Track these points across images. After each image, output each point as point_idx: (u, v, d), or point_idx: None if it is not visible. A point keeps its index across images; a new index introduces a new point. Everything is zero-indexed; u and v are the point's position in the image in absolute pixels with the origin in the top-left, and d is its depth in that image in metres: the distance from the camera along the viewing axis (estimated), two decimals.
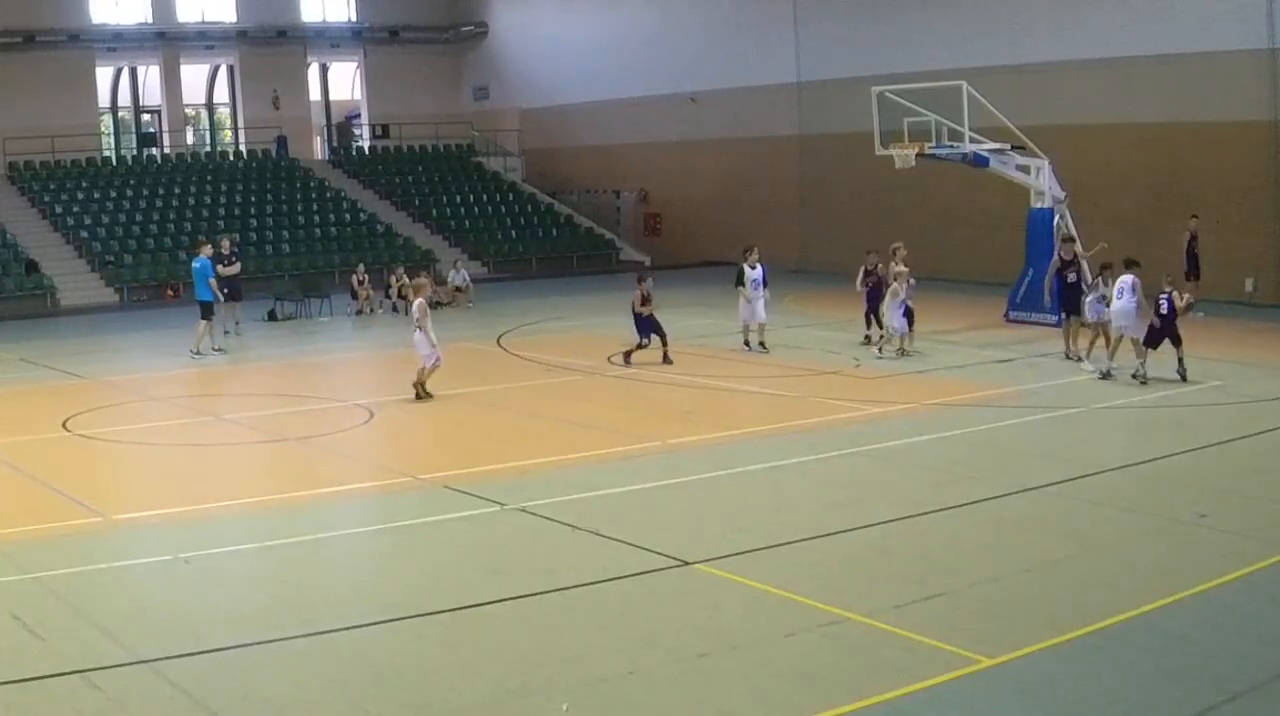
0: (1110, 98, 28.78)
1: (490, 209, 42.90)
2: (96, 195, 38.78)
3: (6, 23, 39.25)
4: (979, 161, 24.29)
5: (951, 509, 11.82)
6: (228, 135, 47.10)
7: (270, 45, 44.55)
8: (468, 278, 31.53)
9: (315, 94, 47.82)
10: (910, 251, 21.38)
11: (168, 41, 43.17)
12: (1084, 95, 29.05)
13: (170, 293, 34.06)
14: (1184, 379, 17.66)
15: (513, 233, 41.42)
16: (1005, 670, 8.05)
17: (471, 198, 43.43)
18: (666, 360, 20.20)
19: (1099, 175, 27.82)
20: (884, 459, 14.19)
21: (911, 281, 20.67)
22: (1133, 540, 11.00)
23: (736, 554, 10.48)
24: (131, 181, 40.11)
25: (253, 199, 40.09)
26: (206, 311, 23.10)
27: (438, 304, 30.07)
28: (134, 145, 44.60)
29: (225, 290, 23.81)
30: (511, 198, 44.05)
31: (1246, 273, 26.56)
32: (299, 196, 41.05)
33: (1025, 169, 24.52)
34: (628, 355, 20.36)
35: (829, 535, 11.09)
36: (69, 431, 16.36)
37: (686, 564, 10.28)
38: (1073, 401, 16.99)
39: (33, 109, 39.49)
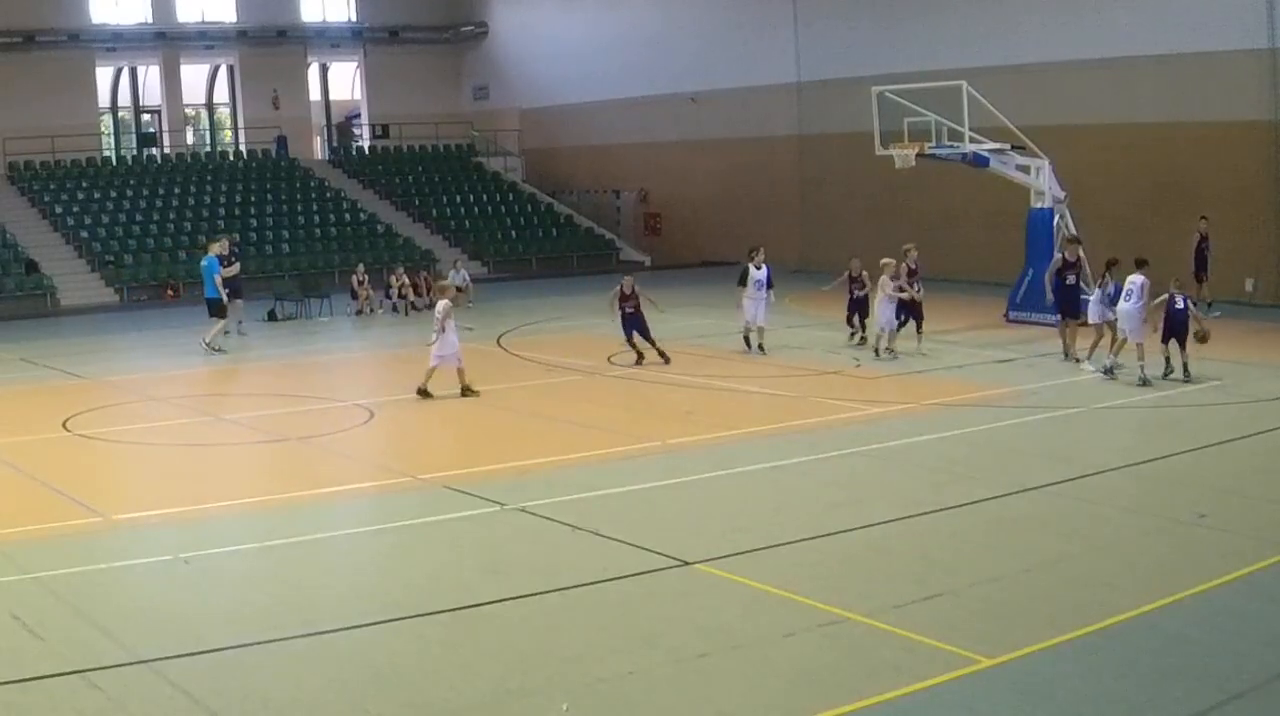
0: (1110, 98, 28.78)
1: (490, 209, 42.90)
2: (96, 195, 38.77)
3: (6, 23, 39.24)
4: (979, 161, 24.29)
5: (951, 509, 11.82)
6: (228, 135, 47.10)
7: (270, 45, 44.54)
8: (468, 278, 31.48)
9: (315, 94, 47.81)
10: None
11: (168, 41, 43.15)
12: (1084, 95, 29.04)
13: (170, 293, 34.07)
14: (1188, 378, 17.70)
15: (513, 233, 41.42)
16: (1005, 670, 8.05)
17: (471, 198, 43.43)
18: (663, 357, 20.15)
19: (1099, 175, 27.82)
20: (884, 459, 14.19)
21: (913, 271, 20.70)
22: (1133, 540, 11.00)
23: (736, 554, 10.48)
24: (131, 181, 40.10)
25: (253, 199, 40.09)
26: (218, 309, 23.27)
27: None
28: (134, 145, 44.59)
29: (227, 290, 23.89)
30: (511, 198, 44.05)
31: (1246, 273, 26.55)
32: (299, 196, 41.04)
33: (1025, 169, 24.52)
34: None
35: (829, 535, 11.09)
36: (69, 431, 16.36)
37: (686, 564, 10.28)
38: (1073, 401, 16.99)
39: (33, 109, 39.48)
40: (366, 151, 46.67)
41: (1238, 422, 15.43)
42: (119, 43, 42.45)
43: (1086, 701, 7.63)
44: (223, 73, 46.35)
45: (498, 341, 23.91)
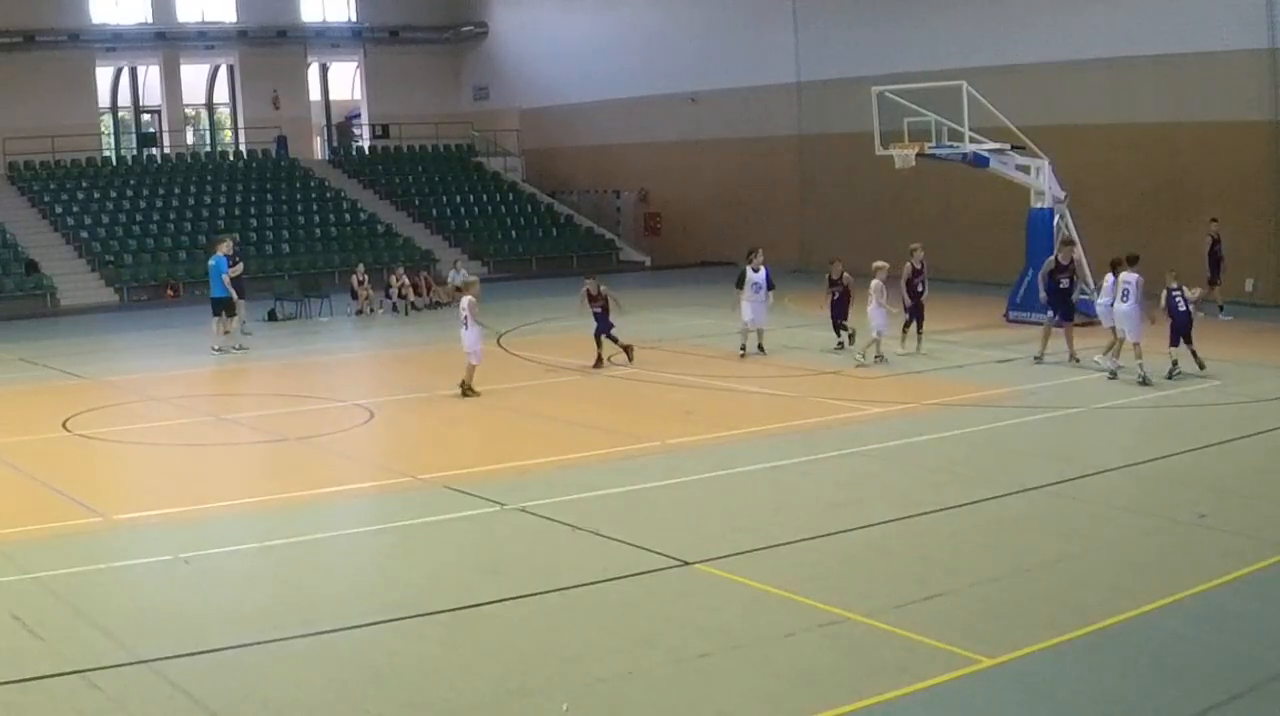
0: (1110, 98, 28.78)
1: (490, 209, 42.91)
2: (96, 195, 38.78)
3: (6, 23, 39.24)
4: (979, 161, 24.29)
5: (951, 509, 11.82)
6: (228, 135, 47.11)
7: (270, 45, 44.55)
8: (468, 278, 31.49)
9: (315, 94, 47.83)
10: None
11: (168, 41, 43.17)
12: (1084, 95, 29.05)
13: (170, 292, 34.08)
14: (1202, 369, 17.87)
15: (513, 233, 41.43)
16: (1005, 670, 8.05)
17: (471, 198, 43.43)
18: (626, 352, 20.36)
19: (1099, 175, 27.82)
20: (884, 459, 14.19)
21: (919, 271, 20.70)
22: (1133, 540, 11.00)
23: (736, 554, 10.48)
24: (131, 181, 40.12)
25: (253, 199, 40.09)
26: (227, 308, 23.40)
27: (437, 304, 30.17)
28: (134, 145, 44.60)
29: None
30: (511, 198, 44.05)
31: (1246, 273, 26.54)
32: (299, 196, 41.05)
33: (1025, 169, 24.52)
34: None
35: (829, 535, 11.08)
36: (69, 431, 16.37)
37: (686, 564, 10.28)
38: (1073, 401, 16.99)
39: (33, 109, 39.50)
40: (366, 151, 46.68)
41: (1238, 422, 15.43)
42: (119, 43, 42.47)
43: (1086, 701, 7.62)
44: (223, 73, 46.38)
45: (498, 341, 23.88)
